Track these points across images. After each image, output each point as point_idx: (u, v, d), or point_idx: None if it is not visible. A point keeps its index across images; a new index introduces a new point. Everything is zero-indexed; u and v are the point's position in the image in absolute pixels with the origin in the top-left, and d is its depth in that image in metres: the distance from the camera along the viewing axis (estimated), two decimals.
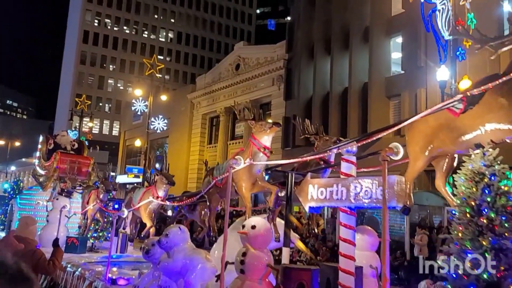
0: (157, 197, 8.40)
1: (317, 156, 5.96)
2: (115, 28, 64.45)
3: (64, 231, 11.41)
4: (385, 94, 20.77)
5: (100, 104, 62.91)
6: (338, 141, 6.13)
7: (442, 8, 12.73)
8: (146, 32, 66.35)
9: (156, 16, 66.85)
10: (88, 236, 12.16)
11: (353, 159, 4.77)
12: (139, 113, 34.78)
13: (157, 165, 9.38)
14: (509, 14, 15.98)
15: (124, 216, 8.95)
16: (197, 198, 7.76)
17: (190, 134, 35.84)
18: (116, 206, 10.25)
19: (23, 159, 53.59)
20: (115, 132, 60.89)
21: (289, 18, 33.38)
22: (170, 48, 67.30)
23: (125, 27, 65.12)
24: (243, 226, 4.97)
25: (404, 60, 20.08)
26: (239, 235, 5.02)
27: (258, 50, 31.51)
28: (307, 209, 4.88)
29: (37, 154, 15.44)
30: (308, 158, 5.99)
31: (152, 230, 8.49)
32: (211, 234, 7.11)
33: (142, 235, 8.38)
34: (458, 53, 12.77)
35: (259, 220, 5.12)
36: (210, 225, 7.24)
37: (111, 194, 10.99)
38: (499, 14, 16.59)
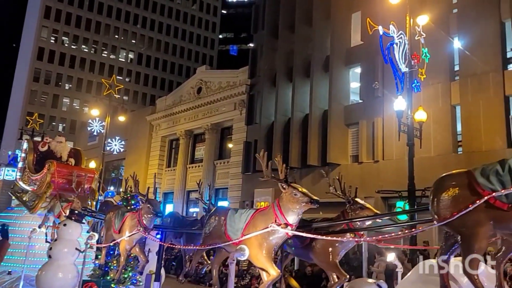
0: (285, 225, 5.08)
1: None
2: (72, 46, 62.74)
3: (74, 272, 7.78)
4: (344, 122, 21.34)
5: (54, 123, 60.33)
6: None
7: (399, 41, 13.40)
8: (105, 52, 65.00)
9: (116, 36, 65.84)
10: (109, 278, 8.96)
11: None
12: (95, 133, 33.67)
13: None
14: (459, 50, 17.18)
15: (244, 258, 5.52)
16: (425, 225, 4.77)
17: (148, 157, 35.00)
18: (158, 236, 7.74)
19: None
20: None
21: (251, 44, 33.95)
22: (130, 69, 66.23)
23: (83, 46, 63.54)
24: None
25: (362, 90, 20.80)
26: None
27: (221, 74, 31.66)
28: None
29: (20, 165, 12.18)
30: None
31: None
32: None
33: None
34: (413, 85, 13.39)
35: None
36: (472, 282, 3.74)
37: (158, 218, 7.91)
38: (450, 49, 17.78)
